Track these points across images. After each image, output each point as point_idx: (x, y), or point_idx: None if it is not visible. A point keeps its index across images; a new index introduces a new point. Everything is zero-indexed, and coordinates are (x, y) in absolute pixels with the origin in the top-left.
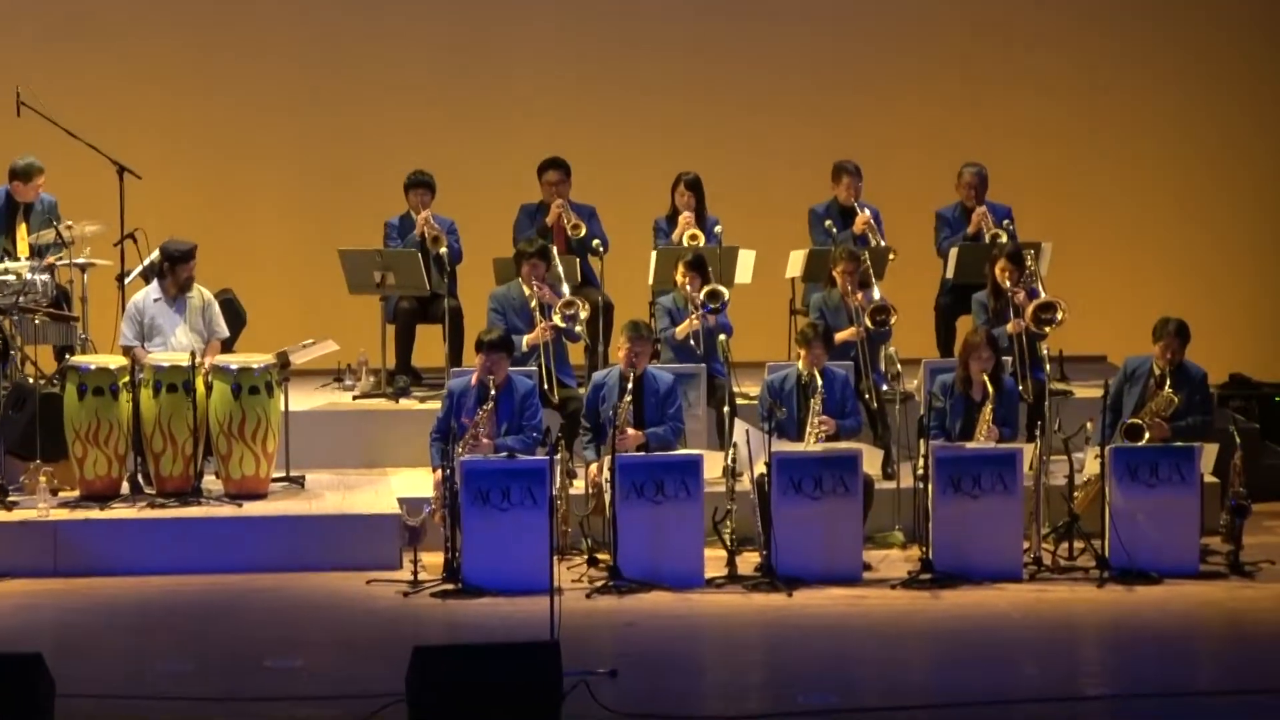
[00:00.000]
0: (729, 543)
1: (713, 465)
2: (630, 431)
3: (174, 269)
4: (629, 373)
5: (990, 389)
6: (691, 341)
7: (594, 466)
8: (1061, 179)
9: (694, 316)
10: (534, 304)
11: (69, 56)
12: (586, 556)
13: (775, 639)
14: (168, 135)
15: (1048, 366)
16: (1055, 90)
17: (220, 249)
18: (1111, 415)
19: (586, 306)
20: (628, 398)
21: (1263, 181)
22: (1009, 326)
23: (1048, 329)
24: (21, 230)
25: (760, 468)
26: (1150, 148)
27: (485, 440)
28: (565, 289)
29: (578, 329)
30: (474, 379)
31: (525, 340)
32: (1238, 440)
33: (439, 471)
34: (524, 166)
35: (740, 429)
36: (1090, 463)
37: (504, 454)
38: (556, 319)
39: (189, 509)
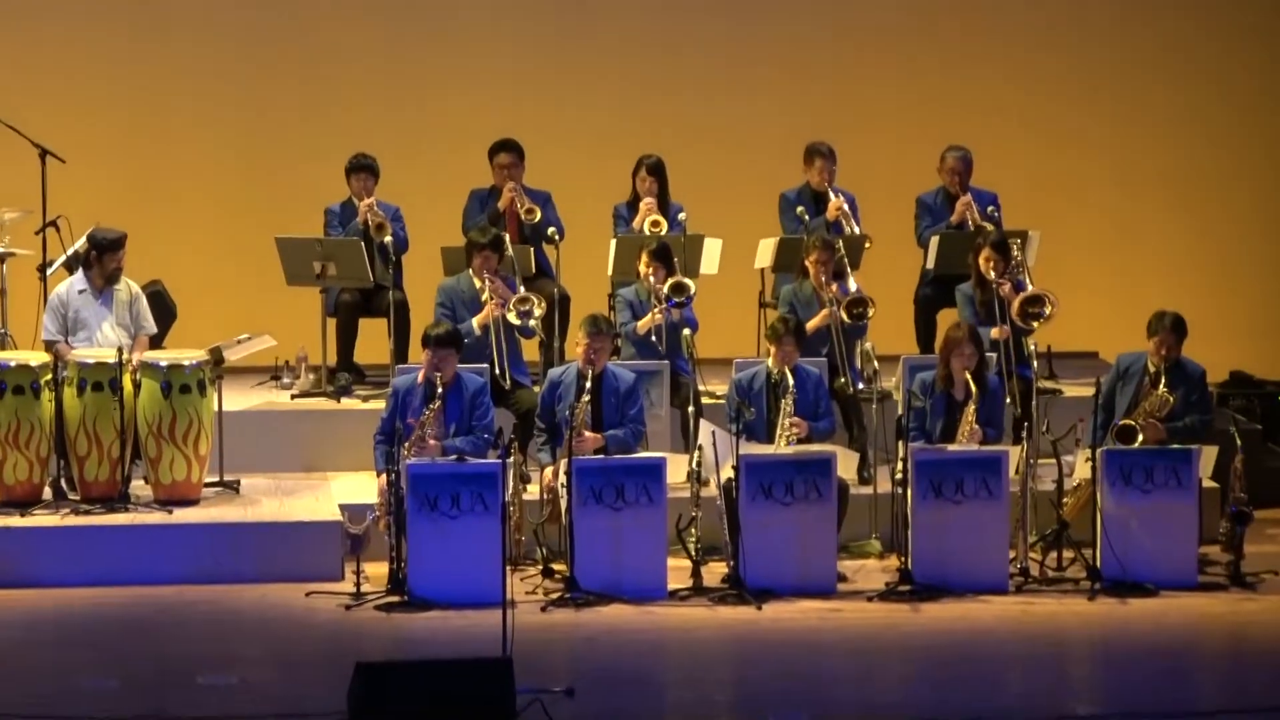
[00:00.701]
0: (694, 552)
1: (676, 469)
2: (588, 434)
3: (101, 259)
4: (587, 370)
5: (973, 387)
6: (654, 337)
7: (549, 470)
8: (1050, 163)
9: (656, 311)
10: (485, 298)
11: None
12: (541, 567)
13: (743, 655)
14: (93, 117)
15: (1035, 363)
16: (1044, 68)
17: (149, 238)
18: (1103, 415)
19: (542, 303)
20: (586, 397)
21: (1268, 166)
22: (994, 332)
23: (1035, 324)
24: None
25: (727, 472)
26: (1146, 129)
27: (432, 442)
28: (519, 284)
29: (532, 324)
30: (420, 376)
31: (475, 320)
32: (1239, 442)
33: (383, 476)
34: (474, 148)
35: (706, 431)
36: (1081, 466)
37: (453, 457)
38: (511, 316)
39: (115, 516)
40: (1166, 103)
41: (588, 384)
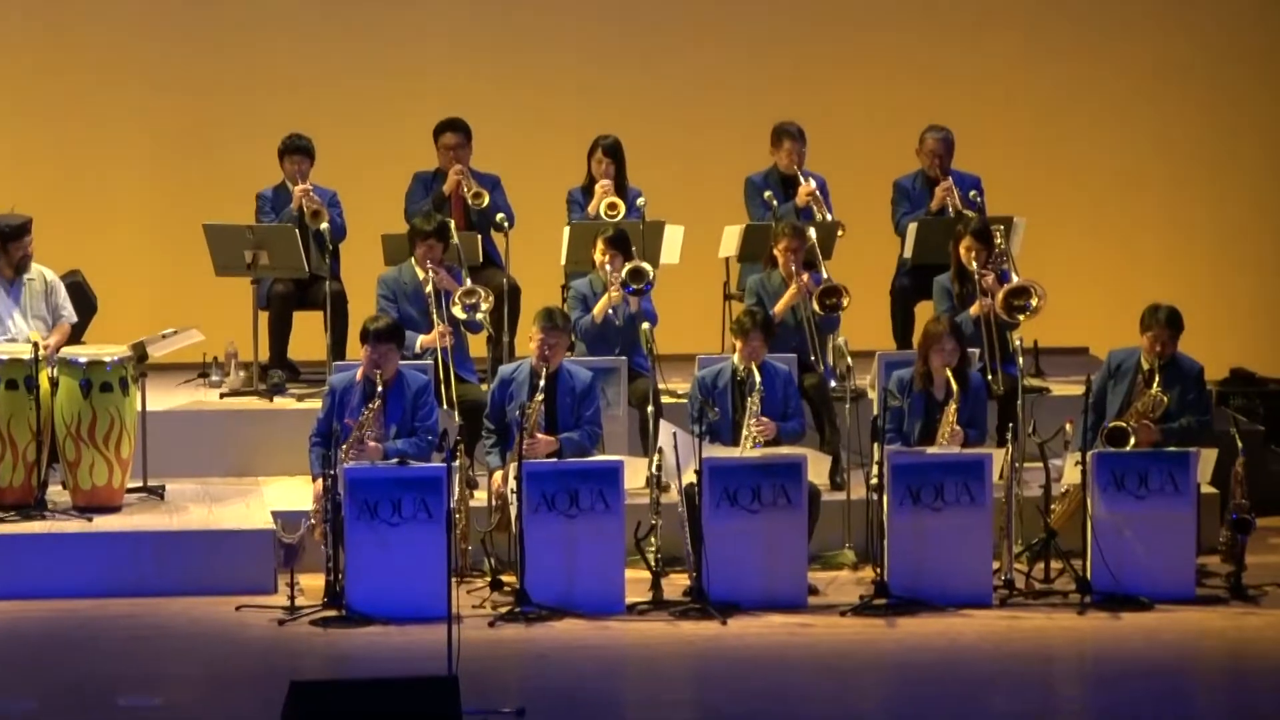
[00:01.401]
0: (653, 563)
1: (635, 474)
2: (541, 436)
3: (6, 247)
4: (541, 368)
5: (954, 386)
6: (613, 316)
7: (498, 475)
8: (1038, 144)
9: (612, 290)
10: (429, 290)
11: None
12: (489, 579)
13: (706, 673)
14: (8, 98)
15: (1021, 360)
16: (1031, 42)
17: (67, 225)
18: (1094, 416)
19: (490, 297)
20: (539, 397)
21: (1272, 151)
22: (974, 308)
23: (1021, 317)
24: None
25: (689, 476)
26: (1140, 109)
27: (372, 444)
28: (465, 275)
29: (479, 317)
30: (359, 373)
31: (420, 342)
32: (1239, 444)
33: (319, 481)
34: (418, 128)
35: (666, 432)
36: (1070, 471)
37: (394, 460)
38: (456, 309)
39: (31, 524)
40: (1164, 76)
41: (541, 382)
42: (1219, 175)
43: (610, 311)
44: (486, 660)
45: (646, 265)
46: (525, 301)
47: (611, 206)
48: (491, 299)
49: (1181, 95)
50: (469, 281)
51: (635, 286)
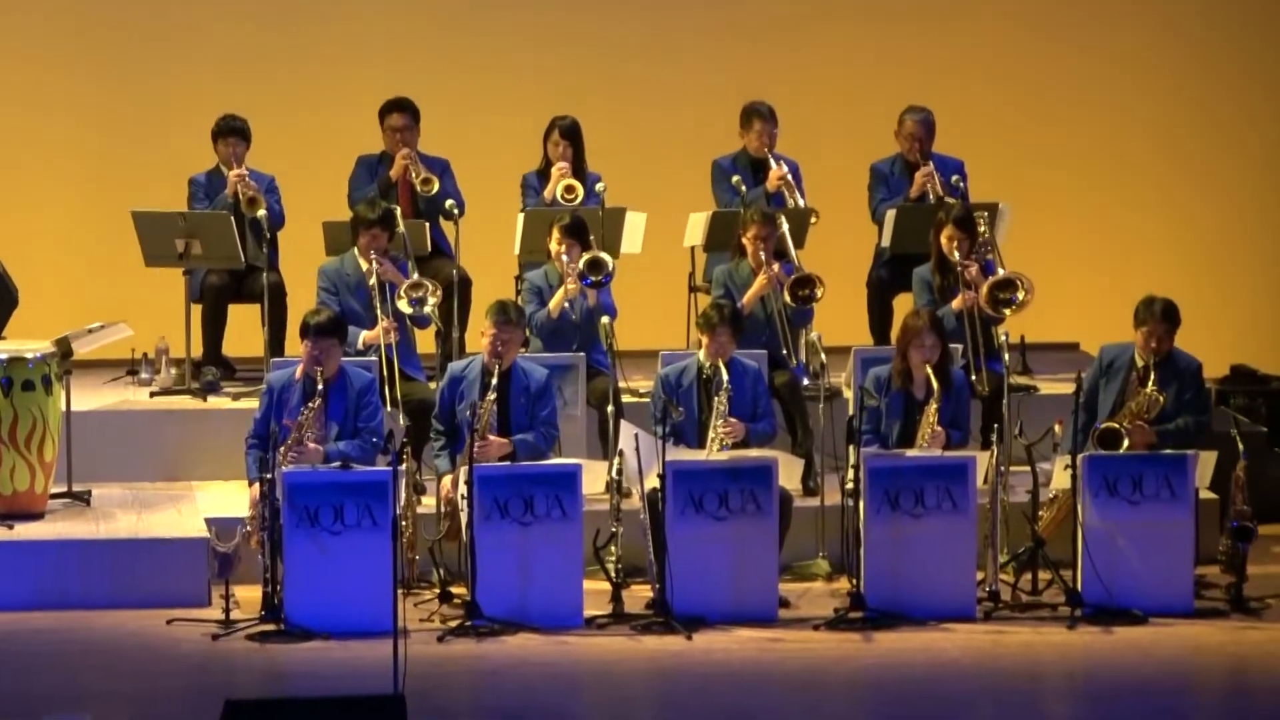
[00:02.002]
0: (613, 574)
1: (594, 478)
2: (493, 438)
3: None
4: (493, 365)
5: (935, 384)
6: (570, 310)
7: (447, 479)
8: (1025, 127)
9: (569, 281)
10: (373, 282)
11: None
12: (438, 591)
13: (670, 693)
14: None
15: (1006, 356)
16: (1017, 18)
17: None
18: (1085, 416)
19: (438, 290)
20: (491, 396)
21: (1275, 130)
22: (956, 301)
23: (1007, 311)
24: None
25: (652, 481)
26: (1133, 86)
27: (312, 445)
28: (412, 267)
29: (426, 310)
30: (299, 371)
31: (363, 338)
32: (1240, 447)
33: (256, 485)
34: (362, 109)
35: (628, 434)
36: (1059, 475)
37: (336, 464)
38: (402, 304)
39: None
40: (1158, 50)
41: (493, 381)
42: (1218, 158)
43: (567, 305)
44: (435, 678)
45: (605, 255)
46: (477, 294)
47: (569, 190)
48: (440, 292)
49: (1178, 70)
50: (416, 273)
51: (594, 278)
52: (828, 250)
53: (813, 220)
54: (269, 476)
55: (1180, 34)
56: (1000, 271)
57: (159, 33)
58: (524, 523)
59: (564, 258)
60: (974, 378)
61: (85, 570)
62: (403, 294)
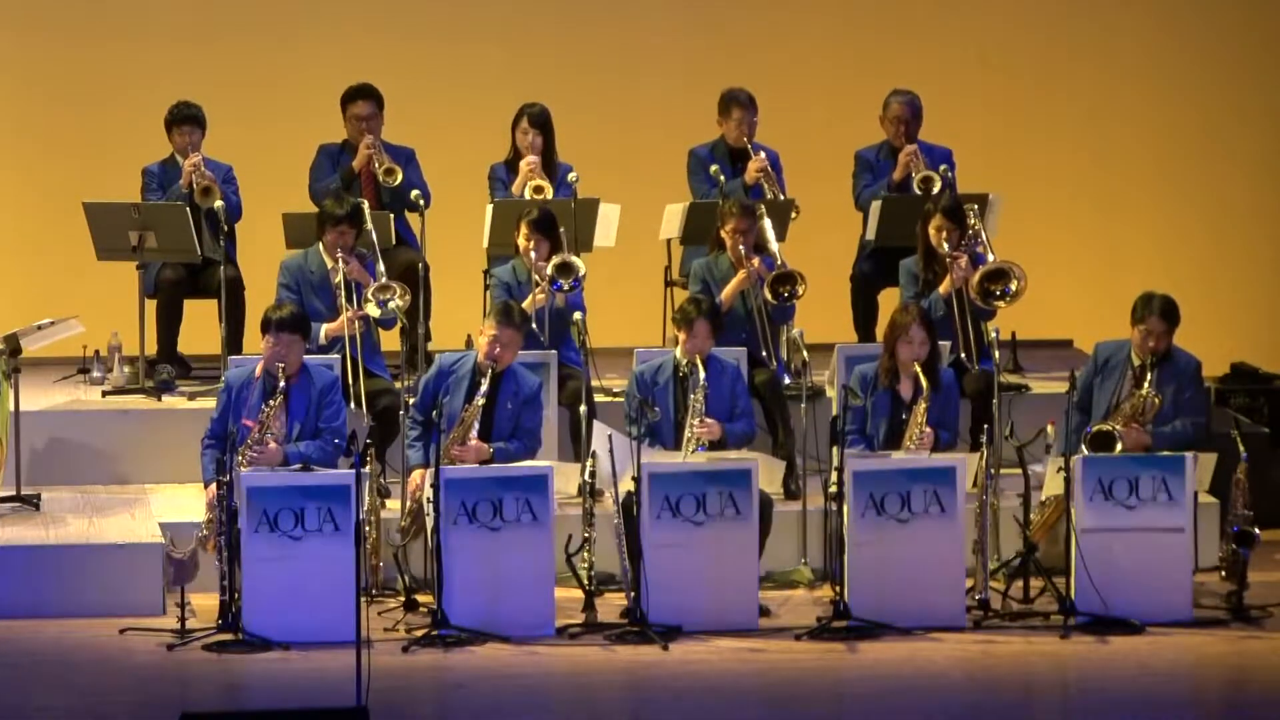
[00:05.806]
0: (586, 581)
1: (565, 481)
2: (474, 442)
3: None
4: (487, 368)
5: (924, 382)
6: (534, 325)
7: (418, 473)
8: (1016, 114)
9: (538, 291)
10: (338, 280)
11: None
12: (403, 599)
13: (646, 704)
14: None
15: (997, 354)
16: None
17: None
18: (1079, 417)
19: (406, 293)
20: (480, 399)
21: (1276, 120)
22: (943, 285)
23: (998, 304)
24: None
25: (627, 484)
26: (1130, 75)
27: (273, 445)
28: (380, 266)
29: (392, 307)
30: (259, 368)
31: (324, 330)
32: (1241, 448)
33: (212, 488)
34: (323, 96)
35: (601, 435)
36: (1051, 478)
37: (297, 465)
38: (370, 307)
39: None
40: (1156, 35)
41: (485, 383)
42: (1218, 148)
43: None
44: (400, 690)
45: (575, 259)
46: (443, 288)
47: (537, 190)
48: (409, 295)
49: (1175, 56)
50: (384, 275)
51: (564, 283)
52: (810, 243)
53: (794, 213)
54: (226, 479)
55: (1177, 21)
56: (991, 262)
57: (113, 15)
58: (493, 528)
59: (532, 254)
60: (963, 376)
61: (34, 578)
62: (370, 296)
